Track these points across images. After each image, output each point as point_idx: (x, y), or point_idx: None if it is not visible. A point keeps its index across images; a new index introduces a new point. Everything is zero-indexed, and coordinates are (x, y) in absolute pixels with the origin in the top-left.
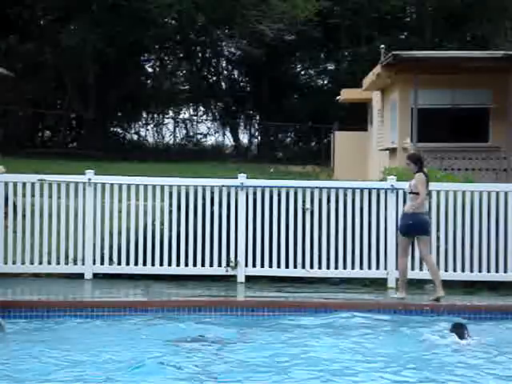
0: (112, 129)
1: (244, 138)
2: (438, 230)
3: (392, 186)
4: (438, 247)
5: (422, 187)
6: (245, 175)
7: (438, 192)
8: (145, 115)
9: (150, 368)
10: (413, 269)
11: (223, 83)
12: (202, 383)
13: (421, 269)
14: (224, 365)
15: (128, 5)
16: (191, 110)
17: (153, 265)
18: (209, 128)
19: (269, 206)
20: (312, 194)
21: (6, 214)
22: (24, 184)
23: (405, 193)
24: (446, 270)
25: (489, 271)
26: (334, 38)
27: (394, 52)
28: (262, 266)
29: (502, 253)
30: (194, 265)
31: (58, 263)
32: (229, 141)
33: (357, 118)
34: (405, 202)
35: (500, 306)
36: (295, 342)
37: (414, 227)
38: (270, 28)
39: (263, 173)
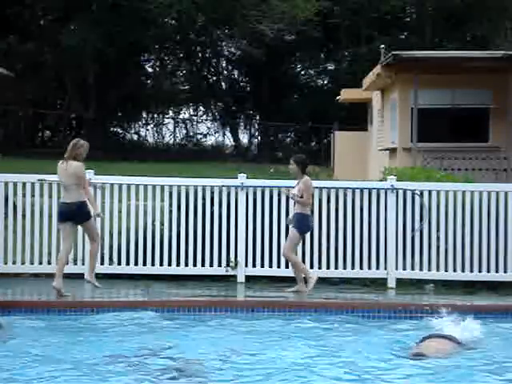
0: (112, 129)
1: (244, 138)
2: (438, 229)
3: (392, 185)
4: (437, 247)
5: (309, 193)
6: (245, 175)
7: (438, 192)
8: (145, 115)
9: None
10: (413, 269)
11: (223, 83)
12: None
13: (421, 269)
14: None
15: (128, 5)
16: (191, 110)
17: (153, 265)
18: (209, 128)
19: (269, 206)
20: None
21: (5, 213)
22: (24, 184)
23: (405, 192)
24: (446, 270)
25: (489, 271)
26: (334, 37)
27: (393, 52)
28: (262, 266)
29: (502, 253)
30: (194, 265)
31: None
32: (229, 141)
33: (357, 117)
34: (405, 201)
35: (500, 305)
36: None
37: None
38: (270, 28)
39: (263, 173)
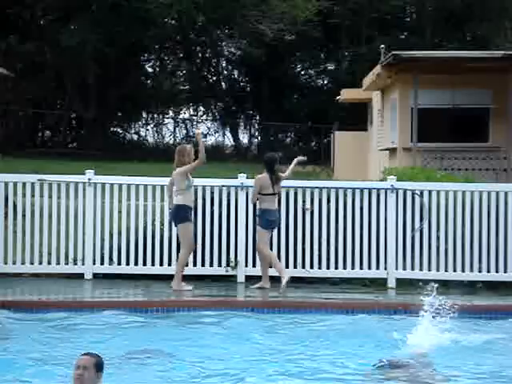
0: (112, 129)
1: (244, 138)
2: (438, 229)
3: (392, 185)
4: (437, 247)
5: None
6: (245, 175)
7: (438, 192)
8: (145, 115)
9: None
10: (413, 269)
11: (223, 83)
12: None
13: (421, 269)
14: None
15: (128, 5)
16: (191, 110)
17: (153, 265)
18: (209, 128)
19: None
20: (312, 193)
21: (6, 213)
22: (24, 184)
23: (405, 192)
24: (446, 270)
25: (489, 271)
26: (334, 37)
27: (393, 52)
28: None
29: (502, 253)
30: (194, 265)
31: (58, 263)
32: (229, 141)
33: (357, 118)
34: (405, 201)
35: (500, 305)
36: None
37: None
38: (270, 28)
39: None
